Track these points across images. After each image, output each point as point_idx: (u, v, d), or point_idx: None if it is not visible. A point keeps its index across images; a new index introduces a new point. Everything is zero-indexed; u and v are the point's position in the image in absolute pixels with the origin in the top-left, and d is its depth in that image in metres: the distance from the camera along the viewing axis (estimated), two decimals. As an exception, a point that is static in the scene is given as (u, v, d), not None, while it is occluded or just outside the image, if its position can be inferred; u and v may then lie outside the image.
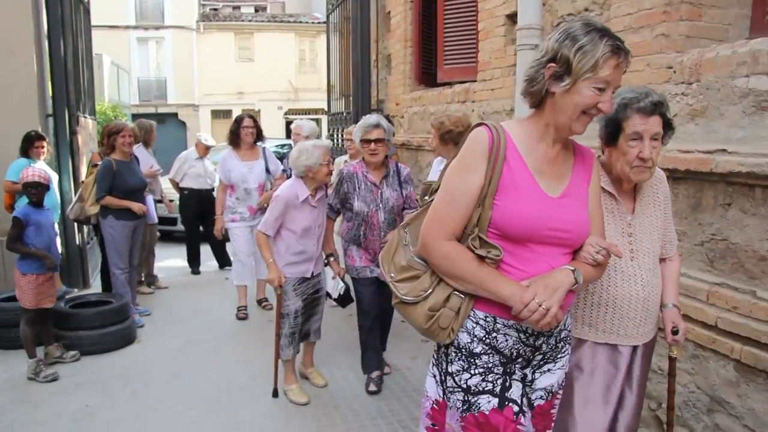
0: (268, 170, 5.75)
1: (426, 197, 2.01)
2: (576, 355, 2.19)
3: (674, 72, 3.04)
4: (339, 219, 4.26)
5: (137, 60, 25.40)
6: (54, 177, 5.92)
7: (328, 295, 4.17)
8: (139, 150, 6.28)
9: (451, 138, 3.91)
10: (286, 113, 25.74)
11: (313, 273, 4.00)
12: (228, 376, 4.28)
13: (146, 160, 6.36)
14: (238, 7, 33.15)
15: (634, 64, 3.30)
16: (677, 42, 3.07)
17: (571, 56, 1.69)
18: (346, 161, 5.21)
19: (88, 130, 7.45)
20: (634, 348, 2.23)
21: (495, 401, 1.81)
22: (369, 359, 4.16)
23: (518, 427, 1.82)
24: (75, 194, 6.20)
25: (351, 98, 7.53)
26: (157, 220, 6.65)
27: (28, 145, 5.75)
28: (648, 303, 2.19)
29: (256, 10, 32.85)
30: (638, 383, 2.25)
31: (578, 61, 1.69)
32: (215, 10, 31.74)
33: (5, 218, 5.58)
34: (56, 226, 5.32)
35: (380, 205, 4.01)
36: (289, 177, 4.94)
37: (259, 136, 5.78)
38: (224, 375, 4.30)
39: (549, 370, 1.94)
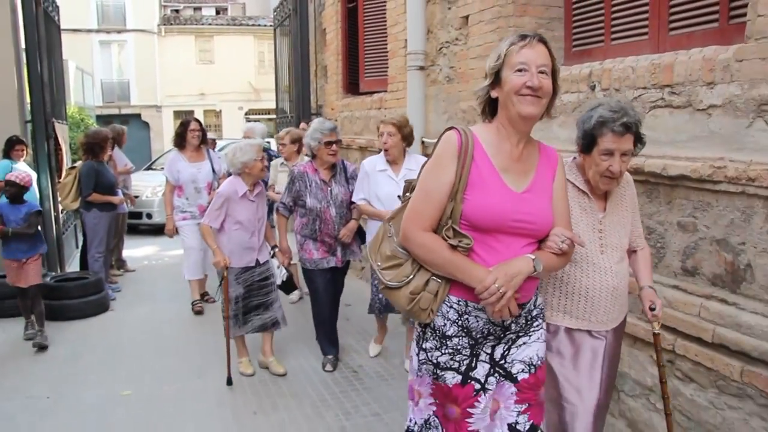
0: (213, 170, 6.08)
1: (407, 194, 2.19)
2: (555, 341, 2.36)
3: (503, 90, 4.21)
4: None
5: (100, 62, 25.97)
6: (33, 175, 6.90)
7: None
8: (116, 151, 7.30)
9: (410, 135, 4.29)
10: (246, 113, 26.59)
11: (258, 261, 4.29)
12: (186, 336, 5.34)
13: (121, 160, 7.37)
14: (200, 8, 33.67)
15: (477, 82, 4.46)
16: (506, 68, 4.24)
17: (487, 65, 2.03)
18: (282, 163, 5.86)
19: (62, 135, 8.39)
20: (606, 332, 2.39)
21: (459, 378, 2.02)
22: (325, 343, 4.50)
23: (475, 402, 2.02)
24: (52, 191, 7.18)
25: (293, 103, 8.62)
26: (126, 211, 7.60)
27: (9, 148, 6.73)
28: (617, 291, 2.35)
29: (217, 12, 33.37)
30: (609, 363, 2.39)
31: (490, 62, 2.00)
32: (176, 11, 32.29)
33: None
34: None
35: (331, 201, 4.31)
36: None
37: (203, 138, 6.07)
38: (182, 333, 5.37)
39: (524, 342, 2.10)
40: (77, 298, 5.77)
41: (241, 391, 4.08)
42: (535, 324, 2.13)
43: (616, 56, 3.52)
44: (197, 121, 6.20)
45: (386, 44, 6.20)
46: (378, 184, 4.25)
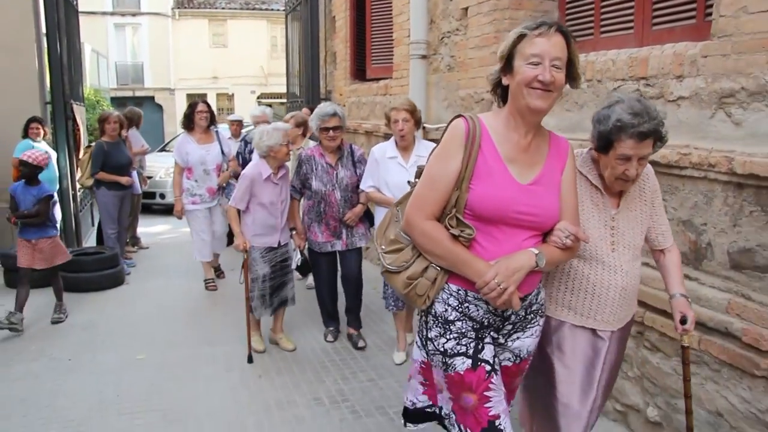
0: (222, 152, 6.14)
1: (417, 179, 2.18)
2: (557, 335, 2.32)
3: (498, 80, 4.44)
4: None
5: (114, 45, 26.27)
6: (53, 154, 7.22)
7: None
8: (132, 132, 7.59)
9: (420, 120, 4.28)
10: (258, 97, 26.86)
11: (280, 242, 4.41)
12: (197, 308, 5.64)
13: (138, 141, 7.64)
14: (213, -8, 33.95)
15: (475, 71, 4.71)
16: (502, 59, 4.47)
17: (500, 48, 1.99)
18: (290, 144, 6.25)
19: (80, 116, 8.70)
20: (611, 333, 2.32)
21: (469, 362, 1.99)
22: (326, 317, 4.74)
23: (489, 385, 2.00)
24: (70, 169, 7.50)
25: (303, 88, 8.87)
26: (140, 191, 7.84)
27: (27, 127, 7.04)
28: (626, 291, 2.28)
29: (231, -4, 33.67)
30: (610, 365, 2.35)
31: (502, 47, 1.97)
32: (190, -6, 32.53)
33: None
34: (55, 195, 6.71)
35: (336, 185, 4.39)
36: (241, 162, 5.99)
37: (212, 120, 6.10)
38: (194, 305, 5.68)
39: (518, 338, 2.12)
40: (94, 271, 6.09)
41: (244, 349, 4.36)
42: (533, 320, 2.13)
43: (604, 49, 3.74)
44: (205, 102, 6.23)
45: (392, 33, 6.42)
46: (388, 172, 4.18)
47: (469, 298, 2.00)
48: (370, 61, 7.35)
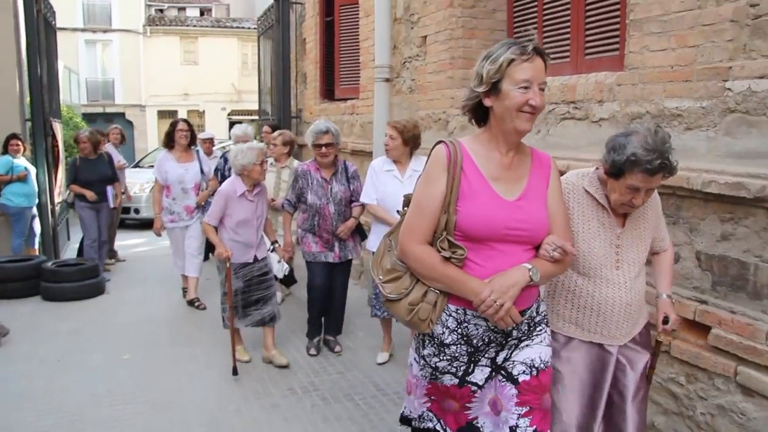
0: (202, 171, 6.23)
1: (405, 207, 2.24)
2: (566, 349, 2.37)
3: (453, 100, 4.92)
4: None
5: (85, 61, 26.35)
6: (32, 170, 7.51)
7: (275, 277, 4.76)
8: (109, 147, 7.90)
9: (413, 139, 4.34)
10: (229, 114, 27.16)
11: (256, 257, 4.49)
12: (176, 313, 5.99)
13: (116, 157, 7.92)
14: (184, 9, 34.09)
15: (433, 93, 5.20)
16: (456, 82, 4.97)
17: (482, 67, 1.97)
18: (271, 164, 5.80)
19: (59, 132, 8.98)
20: (624, 348, 2.38)
21: (456, 381, 2.08)
22: (311, 328, 4.83)
23: (472, 399, 2.10)
24: (49, 185, 7.79)
25: (275, 106, 9.29)
26: (113, 205, 7.64)
27: (6, 144, 7.32)
28: (630, 307, 2.33)
29: (202, 13, 33.80)
30: (639, 375, 2.38)
31: (487, 68, 1.95)
32: (161, 11, 32.70)
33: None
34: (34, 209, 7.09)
35: (330, 199, 4.56)
36: (220, 178, 6.20)
37: (193, 139, 6.21)
38: (172, 311, 6.02)
39: (527, 345, 2.12)
40: (76, 281, 6.39)
41: (226, 353, 4.70)
42: (538, 329, 2.15)
43: (547, 75, 4.25)
44: (185, 121, 6.33)
45: (359, 56, 6.90)
46: (384, 183, 4.36)
47: (469, 317, 2.04)
48: (339, 82, 7.82)
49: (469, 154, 2.05)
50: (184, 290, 6.33)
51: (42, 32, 8.00)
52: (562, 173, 2.33)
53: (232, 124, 22.61)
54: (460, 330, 2.05)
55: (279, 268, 4.97)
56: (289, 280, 5.24)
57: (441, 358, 2.08)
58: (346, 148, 6.93)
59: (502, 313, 1.92)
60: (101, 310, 6.04)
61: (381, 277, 2.16)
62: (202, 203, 6.17)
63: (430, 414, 2.18)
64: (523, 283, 1.96)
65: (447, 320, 2.06)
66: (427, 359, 2.11)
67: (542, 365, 2.12)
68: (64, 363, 4.61)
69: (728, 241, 2.80)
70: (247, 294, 4.47)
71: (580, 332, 2.37)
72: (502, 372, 2.10)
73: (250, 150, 4.38)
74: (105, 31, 26.65)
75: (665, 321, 2.44)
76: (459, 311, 2.04)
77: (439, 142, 2.10)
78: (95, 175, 7.12)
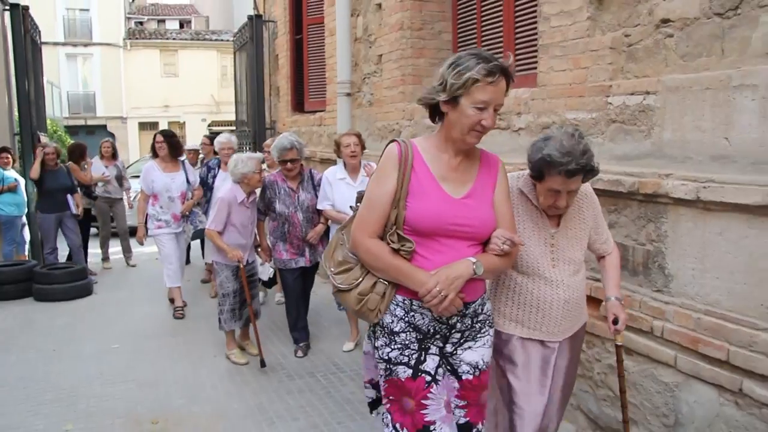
0: (188, 181, 6.35)
1: (358, 203, 2.30)
2: (507, 348, 2.47)
3: (404, 112, 5.52)
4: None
5: (66, 75, 26.79)
6: (21, 181, 7.99)
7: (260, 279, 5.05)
8: (96, 160, 8.37)
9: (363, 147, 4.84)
10: (209, 125, 27.60)
11: (248, 260, 4.76)
12: (161, 310, 6.51)
13: (99, 169, 8.35)
14: (163, 21, 34.57)
15: (387, 106, 5.80)
16: (407, 96, 5.56)
17: (447, 74, 2.04)
18: (266, 169, 5.68)
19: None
20: (560, 342, 2.48)
21: (409, 372, 2.14)
22: (296, 333, 4.99)
23: (428, 394, 2.15)
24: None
25: (250, 118, 9.85)
26: (75, 212, 7.83)
27: (-3, 156, 7.81)
28: (569, 304, 2.42)
29: (181, 25, 34.31)
30: (563, 371, 2.50)
31: (452, 78, 2.01)
32: (141, 23, 33.17)
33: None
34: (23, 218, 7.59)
35: (298, 207, 4.77)
36: (204, 185, 6.43)
37: (176, 150, 6.34)
38: (157, 308, 6.54)
39: (470, 347, 2.22)
40: (66, 282, 6.90)
41: (204, 342, 5.26)
42: (482, 330, 2.25)
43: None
44: (161, 132, 6.53)
45: (325, 72, 7.49)
46: (338, 191, 4.69)
47: (415, 307, 2.13)
48: (308, 96, 8.41)
49: (420, 154, 2.16)
50: (176, 309, 6.21)
51: (29, 51, 8.53)
52: None
53: (212, 134, 23.03)
54: (407, 319, 2.15)
55: (264, 271, 5.30)
56: (271, 282, 5.64)
57: (392, 347, 2.17)
58: (315, 156, 7.52)
59: (446, 304, 2.01)
60: (90, 308, 6.56)
61: (332, 269, 2.25)
62: (187, 212, 6.28)
63: (388, 417, 2.22)
64: (467, 275, 2.05)
65: (395, 310, 2.15)
66: (381, 351, 2.20)
67: (483, 366, 2.25)
68: (59, 352, 5.13)
69: (614, 228, 3.41)
70: (242, 295, 4.70)
71: (521, 329, 2.46)
72: (448, 365, 2.22)
73: (249, 159, 4.59)
74: (86, 45, 27.17)
75: (615, 321, 2.50)
76: (406, 301, 2.14)
77: (392, 141, 2.22)
78: (57, 185, 7.48)
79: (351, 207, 2.49)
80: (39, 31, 9.42)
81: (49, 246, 7.59)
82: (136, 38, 28.18)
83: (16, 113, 8.60)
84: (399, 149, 2.15)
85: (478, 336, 2.25)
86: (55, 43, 26.05)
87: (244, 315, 4.81)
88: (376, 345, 2.24)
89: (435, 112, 2.19)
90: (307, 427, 3.72)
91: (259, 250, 5.03)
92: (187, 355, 5.04)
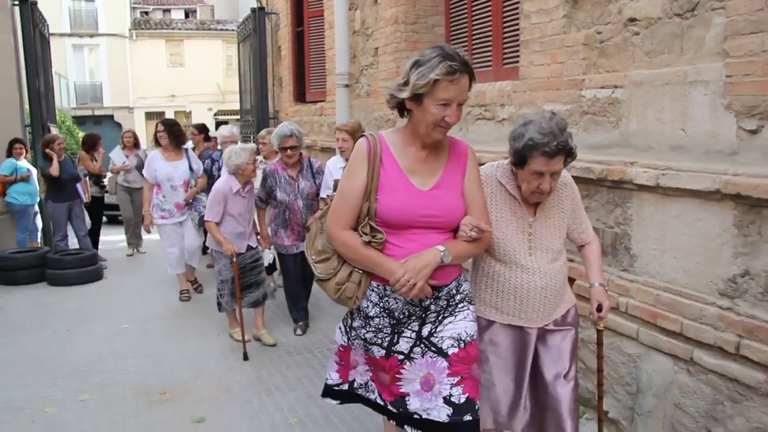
0: (191, 168, 6.41)
1: (335, 191, 2.40)
2: (488, 332, 2.54)
3: (400, 104, 5.77)
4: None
5: (73, 65, 27.09)
6: (33, 171, 8.29)
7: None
8: (117, 150, 8.61)
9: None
10: (215, 114, 27.93)
11: (249, 246, 4.92)
12: (168, 293, 6.81)
13: (121, 158, 8.55)
14: (168, 11, 34.76)
15: (383, 97, 6.02)
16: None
17: (410, 74, 2.09)
18: (261, 160, 6.02)
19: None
20: (543, 328, 2.53)
21: (383, 352, 2.28)
22: (295, 313, 5.23)
23: (401, 370, 2.27)
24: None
25: (254, 108, 10.11)
26: (85, 200, 8.36)
27: (10, 147, 8.09)
28: (546, 291, 2.47)
29: (186, 15, 34.47)
30: (551, 358, 2.54)
31: (415, 77, 2.07)
32: (146, 13, 33.38)
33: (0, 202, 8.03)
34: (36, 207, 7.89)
35: (298, 194, 4.93)
36: (209, 176, 6.60)
37: (178, 139, 6.35)
38: (165, 292, 6.84)
39: (451, 322, 2.29)
40: (77, 268, 7.21)
41: (209, 322, 5.55)
42: (460, 305, 2.32)
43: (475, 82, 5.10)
44: (162, 122, 6.56)
45: (325, 63, 7.73)
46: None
47: (388, 293, 2.23)
48: (309, 86, 8.67)
49: (388, 147, 2.23)
50: (181, 292, 6.45)
51: (38, 44, 8.79)
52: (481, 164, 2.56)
53: (218, 124, 23.29)
54: (381, 304, 2.26)
55: (264, 257, 5.43)
56: (272, 267, 5.88)
57: (367, 329, 2.30)
58: (315, 145, 7.78)
59: (415, 291, 2.11)
60: (101, 291, 6.88)
61: (313, 257, 2.36)
62: (191, 200, 6.38)
63: (373, 384, 2.40)
64: (434, 263, 2.14)
65: (370, 295, 2.27)
66: (358, 331, 2.35)
67: (468, 338, 2.30)
68: (72, 332, 5.44)
69: (586, 212, 3.64)
70: (242, 280, 4.80)
71: (500, 316, 2.53)
72: (431, 346, 2.27)
73: (243, 151, 4.75)
74: (92, 36, 27.45)
75: (599, 308, 2.56)
76: (380, 287, 2.25)
77: (362, 135, 2.35)
78: (67, 175, 7.76)
79: (323, 199, 2.57)
80: (47, 25, 9.67)
81: (60, 233, 7.90)
82: (142, 28, 28.45)
83: (27, 105, 8.88)
84: (368, 144, 2.23)
85: (457, 311, 2.32)
86: (62, 34, 26.33)
87: (243, 298, 4.89)
88: (353, 325, 2.38)
89: (402, 107, 2.25)
90: (303, 397, 4.00)
91: (259, 238, 5.19)
92: (193, 334, 5.34)
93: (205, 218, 4.90)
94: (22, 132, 8.71)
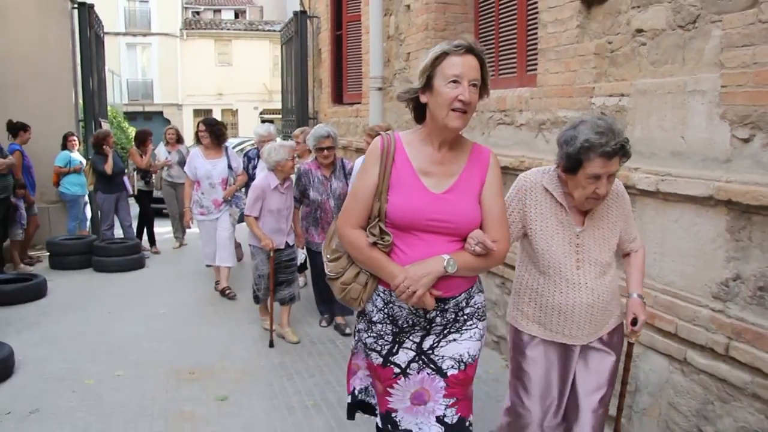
0: (230, 167, 6.54)
1: None
2: (530, 348, 2.46)
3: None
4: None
5: (126, 63, 28.15)
6: (84, 163, 8.77)
7: None
8: (161, 147, 8.98)
9: None
10: (261, 113, 28.58)
11: (287, 243, 5.04)
12: (203, 282, 7.16)
13: (164, 154, 8.93)
14: (219, 11, 35.69)
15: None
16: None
17: (422, 63, 2.08)
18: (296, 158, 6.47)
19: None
20: (588, 345, 2.42)
21: (380, 360, 2.21)
22: (322, 306, 5.42)
23: (394, 384, 2.19)
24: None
25: (295, 108, 10.43)
26: (132, 192, 8.95)
27: (65, 140, 8.57)
28: (592, 308, 2.34)
29: (236, 15, 35.35)
30: (597, 378, 2.43)
31: (424, 62, 2.07)
32: (197, 13, 34.36)
33: (53, 191, 8.52)
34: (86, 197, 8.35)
35: (330, 194, 5.07)
36: (249, 174, 6.84)
37: (219, 138, 6.50)
38: (201, 281, 7.19)
39: (455, 339, 2.19)
40: (122, 256, 7.64)
41: (240, 312, 5.85)
42: (468, 323, 2.22)
43: (500, 87, 5.26)
44: (203, 121, 6.69)
45: (361, 67, 7.98)
46: None
47: (393, 299, 2.14)
48: (347, 88, 8.93)
49: (403, 147, 2.16)
50: (217, 283, 6.60)
51: (93, 45, 9.30)
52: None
53: (264, 122, 23.90)
54: (386, 310, 2.18)
55: (298, 255, 5.58)
56: (303, 266, 6.08)
57: (369, 334, 2.24)
58: (351, 146, 8.03)
59: (414, 300, 2.03)
60: (142, 279, 7.29)
61: (328, 257, 2.29)
62: (229, 197, 6.49)
63: (372, 390, 2.37)
64: (437, 272, 2.04)
65: (376, 300, 2.19)
66: (360, 334, 2.29)
67: (470, 359, 2.21)
68: (113, 314, 5.82)
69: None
70: (276, 276, 4.96)
71: (542, 331, 2.42)
72: (430, 363, 2.19)
73: (282, 147, 4.92)
74: (145, 35, 28.47)
75: (634, 322, 2.43)
76: (386, 292, 2.16)
77: (377, 134, 2.35)
78: (115, 168, 8.10)
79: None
80: (102, 27, 10.21)
81: (107, 223, 8.35)
82: (192, 28, 29.33)
83: (81, 101, 9.39)
84: (381, 143, 2.17)
85: (464, 328, 2.22)
86: (116, 33, 27.39)
87: (281, 295, 5.09)
88: (357, 328, 2.32)
89: (419, 112, 2.22)
90: (321, 382, 4.25)
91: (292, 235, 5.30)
92: (225, 321, 5.65)
93: (245, 213, 5.05)
94: (75, 126, 9.22)
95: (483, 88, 2.11)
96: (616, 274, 2.51)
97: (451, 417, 2.18)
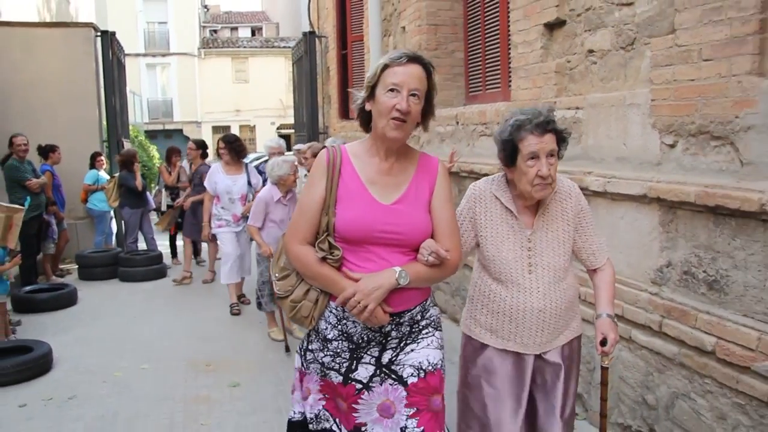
0: (249, 183, 6.64)
1: None
2: (482, 357, 2.38)
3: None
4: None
5: (146, 83, 29.10)
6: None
7: None
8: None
9: None
10: (278, 128, 29.27)
11: None
12: (218, 293, 7.69)
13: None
14: (236, 29, 36.65)
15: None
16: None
17: (366, 77, 2.10)
18: (305, 175, 6.05)
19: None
20: (541, 356, 2.33)
21: (340, 378, 2.10)
22: None
23: (359, 400, 2.09)
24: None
25: (306, 123, 11.00)
26: (154, 207, 9.28)
27: (93, 160, 9.19)
28: (543, 314, 2.27)
29: (253, 33, 36.32)
30: (549, 385, 2.34)
31: (368, 76, 2.08)
32: (215, 32, 35.33)
33: (81, 208, 9.14)
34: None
35: None
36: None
37: (239, 154, 6.61)
38: (216, 291, 7.72)
39: (413, 350, 2.13)
40: (145, 266, 8.22)
41: (253, 317, 6.35)
42: (424, 332, 2.16)
43: (487, 101, 5.73)
44: (223, 139, 6.76)
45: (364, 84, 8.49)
46: None
47: (347, 315, 2.06)
48: (352, 104, 9.45)
49: (349, 158, 2.11)
50: (231, 306, 6.54)
51: (115, 69, 9.96)
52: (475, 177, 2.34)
53: (281, 137, 24.47)
54: (340, 327, 2.10)
55: None
56: None
57: (325, 353, 2.13)
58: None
59: (366, 314, 1.96)
60: (164, 288, 7.85)
61: (276, 275, 2.23)
62: (248, 213, 6.09)
63: (327, 413, 2.19)
64: (389, 285, 1.98)
65: (329, 317, 2.11)
66: (315, 354, 2.16)
67: (430, 367, 2.13)
68: (138, 318, 6.38)
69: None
70: None
71: (494, 339, 2.36)
72: (391, 374, 2.11)
73: (284, 163, 5.25)
74: (164, 55, 29.42)
75: (603, 342, 2.30)
76: (338, 309, 2.08)
77: (323, 147, 2.35)
78: (131, 184, 8.60)
79: None
80: (124, 52, 10.89)
81: (133, 236, 8.91)
82: (210, 47, 30.23)
83: (104, 122, 10.04)
84: (327, 156, 2.13)
85: (420, 337, 2.16)
86: (137, 54, 28.34)
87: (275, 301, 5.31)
88: (310, 348, 2.20)
89: (365, 121, 2.17)
90: (322, 371, 4.73)
91: None
92: (237, 322, 6.20)
93: (248, 223, 5.37)
94: (99, 146, 9.84)
95: (429, 108, 2.11)
96: (575, 283, 2.48)
97: (412, 429, 2.07)
